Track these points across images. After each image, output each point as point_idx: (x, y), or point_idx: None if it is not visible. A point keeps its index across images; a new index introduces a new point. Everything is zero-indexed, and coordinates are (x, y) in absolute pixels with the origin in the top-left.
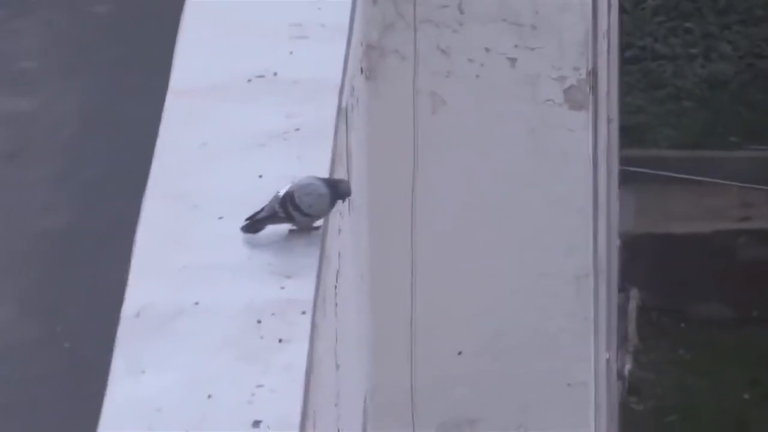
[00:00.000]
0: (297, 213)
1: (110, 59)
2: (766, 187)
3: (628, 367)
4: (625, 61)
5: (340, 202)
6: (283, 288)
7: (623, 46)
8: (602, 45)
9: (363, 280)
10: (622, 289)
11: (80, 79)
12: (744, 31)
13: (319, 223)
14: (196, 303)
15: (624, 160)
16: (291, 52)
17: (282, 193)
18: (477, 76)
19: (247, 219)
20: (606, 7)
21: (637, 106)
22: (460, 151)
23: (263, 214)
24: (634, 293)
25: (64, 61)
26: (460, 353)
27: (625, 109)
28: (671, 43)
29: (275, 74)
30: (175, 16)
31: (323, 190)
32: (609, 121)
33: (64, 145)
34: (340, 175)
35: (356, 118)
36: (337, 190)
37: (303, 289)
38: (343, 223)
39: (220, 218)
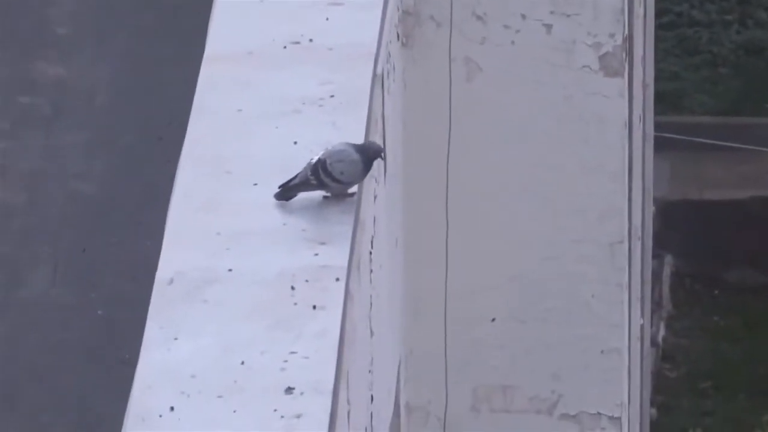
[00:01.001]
0: (329, 180)
1: (144, 25)
2: None
3: (661, 333)
4: (660, 28)
5: (374, 167)
6: (317, 254)
7: (659, 13)
8: (638, 11)
9: (397, 247)
10: (657, 255)
11: (115, 46)
12: None
13: (353, 189)
14: (230, 270)
15: (659, 127)
16: (327, 19)
17: (314, 160)
18: (512, 42)
19: (279, 186)
20: None
21: (672, 72)
22: (495, 118)
23: (296, 181)
24: (668, 260)
25: (99, 28)
26: (493, 320)
27: (660, 75)
28: (707, 9)
29: (311, 41)
30: None
31: (355, 156)
32: (644, 87)
33: (98, 112)
34: (376, 140)
35: (392, 85)
36: (368, 152)
37: (337, 255)
38: (378, 189)
39: (255, 185)
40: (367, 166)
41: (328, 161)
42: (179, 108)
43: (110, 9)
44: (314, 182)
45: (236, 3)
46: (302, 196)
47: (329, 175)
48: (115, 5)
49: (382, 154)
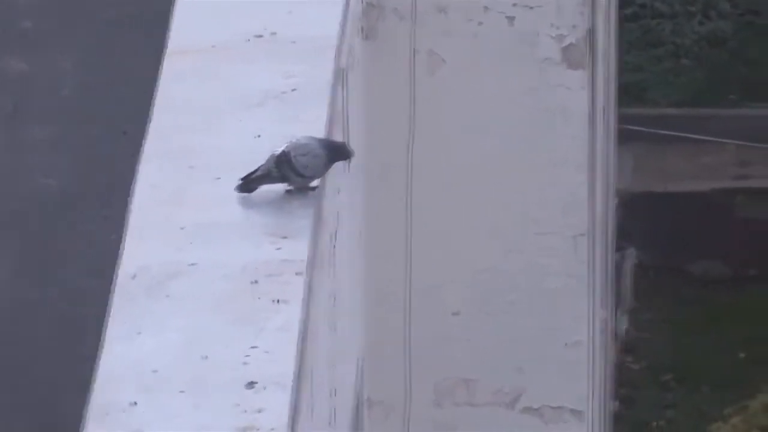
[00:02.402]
0: (292, 173)
1: (107, 19)
2: (764, 145)
3: (624, 326)
4: (624, 19)
5: (346, 164)
6: (279, 249)
7: (622, 4)
8: (601, 3)
9: (359, 241)
10: (620, 248)
11: (78, 39)
12: None
13: (315, 183)
14: (193, 264)
15: (622, 119)
16: (289, 12)
17: (278, 152)
18: (475, 35)
19: (242, 178)
20: None
21: (635, 64)
22: (458, 111)
23: (258, 173)
24: (631, 252)
25: (62, 21)
26: (456, 313)
27: (623, 67)
28: (670, 1)
29: (273, 34)
30: None
31: (319, 150)
32: (607, 79)
33: (62, 105)
34: (338, 135)
35: (354, 78)
36: (336, 151)
37: (299, 249)
38: (340, 183)
39: (218, 178)
40: (330, 162)
41: (291, 154)
42: (143, 102)
43: (74, 2)
44: (277, 175)
45: None
46: (265, 189)
47: (292, 168)
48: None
49: (350, 159)
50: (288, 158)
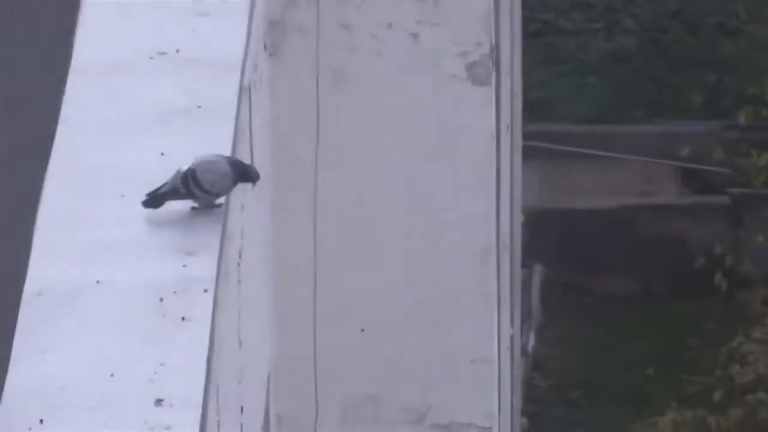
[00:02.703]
0: (198, 190)
1: (9, 35)
2: (669, 162)
3: (531, 343)
4: (528, 36)
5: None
6: (185, 266)
7: (526, 21)
8: (505, 20)
9: (266, 257)
10: (526, 264)
11: None
12: (647, 5)
13: (221, 200)
14: (98, 281)
15: (528, 135)
16: (193, 29)
17: (184, 169)
18: (379, 52)
19: (148, 194)
20: None
21: (540, 81)
22: (363, 128)
23: (164, 189)
24: (538, 269)
25: None
26: (362, 330)
27: (528, 84)
28: (574, 17)
29: (177, 51)
30: None
31: (226, 169)
32: (512, 96)
33: None
34: (243, 152)
35: (259, 95)
36: (243, 173)
37: (205, 266)
38: (246, 199)
39: (122, 196)
40: (236, 180)
41: (198, 171)
42: (46, 119)
43: None
44: (183, 191)
45: (102, 12)
46: (170, 206)
47: (198, 185)
48: None
49: (256, 182)
50: (194, 175)
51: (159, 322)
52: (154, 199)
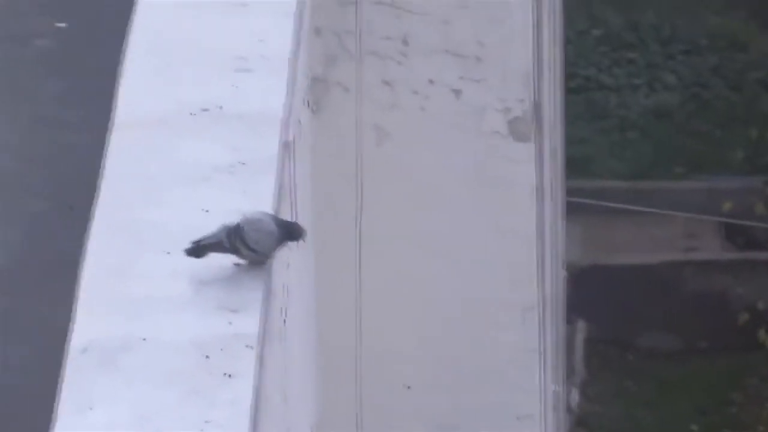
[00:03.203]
0: (242, 246)
1: (51, 93)
2: (710, 218)
3: (575, 399)
4: (569, 92)
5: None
6: (229, 323)
7: (567, 77)
8: (546, 76)
9: (310, 314)
10: (569, 320)
11: (22, 113)
12: (688, 60)
13: (266, 259)
14: (144, 338)
15: (569, 191)
16: (235, 86)
17: (231, 224)
18: (422, 108)
19: (192, 242)
20: (550, 38)
21: (581, 136)
22: (405, 184)
23: (209, 240)
24: (580, 325)
25: (5, 95)
26: (408, 387)
27: (569, 139)
28: (615, 73)
29: (220, 108)
30: (114, 48)
31: (272, 227)
32: (554, 152)
33: (6, 180)
34: (285, 207)
35: (301, 151)
36: (289, 231)
37: (249, 323)
38: (290, 257)
39: (167, 253)
40: (282, 239)
41: (244, 228)
42: (89, 175)
43: (16, 75)
44: (227, 246)
45: (144, 70)
46: (214, 262)
47: (244, 242)
48: (21, 71)
49: (302, 239)
50: (240, 231)
51: (204, 379)
52: (197, 249)
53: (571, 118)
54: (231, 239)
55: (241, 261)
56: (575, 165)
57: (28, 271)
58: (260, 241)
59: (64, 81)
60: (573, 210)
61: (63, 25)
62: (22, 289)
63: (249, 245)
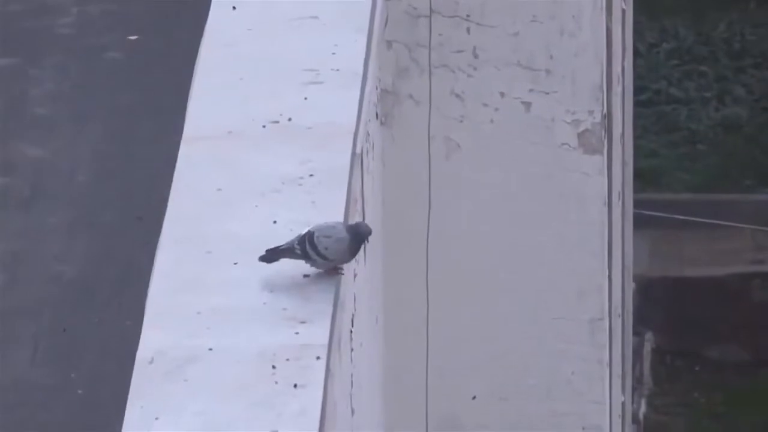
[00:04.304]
0: (313, 252)
1: (122, 105)
2: None
3: (643, 410)
4: (639, 105)
5: (362, 249)
6: (297, 333)
7: (637, 90)
8: (616, 88)
9: (378, 325)
10: (637, 332)
11: (93, 126)
12: (758, 74)
13: (342, 267)
14: (211, 349)
15: (638, 204)
16: (305, 98)
17: (304, 231)
18: (491, 120)
19: (267, 250)
20: (620, 51)
21: (651, 149)
22: (474, 196)
23: (283, 246)
24: (648, 336)
25: (77, 108)
26: (474, 397)
27: (639, 152)
28: (685, 86)
29: (290, 120)
30: (185, 62)
31: (343, 234)
32: (623, 164)
33: (78, 192)
34: (355, 219)
35: (371, 163)
36: (357, 233)
37: (318, 333)
38: (358, 268)
39: (235, 264)
40: (355, 247)
41: (315, 234)
42: (159, 187)
43: (89, 88)
44: (298, 251)
45: (214, 83)
46: (284, 274)
47: (314, 248)
48: (93, 85)
49: (368, 238)
50: (311, 238)
51: (271, 389)
52: (269, 254)
53: (641, 130)
54: (303, 246)
55: (311, 272)
56: (644, 177)
57: (99, 282)
58: (330, 247)
59: (136, 94)
60: (642, 222)
61: (135, 38)
62: (93, 300)
63: (320, 251)
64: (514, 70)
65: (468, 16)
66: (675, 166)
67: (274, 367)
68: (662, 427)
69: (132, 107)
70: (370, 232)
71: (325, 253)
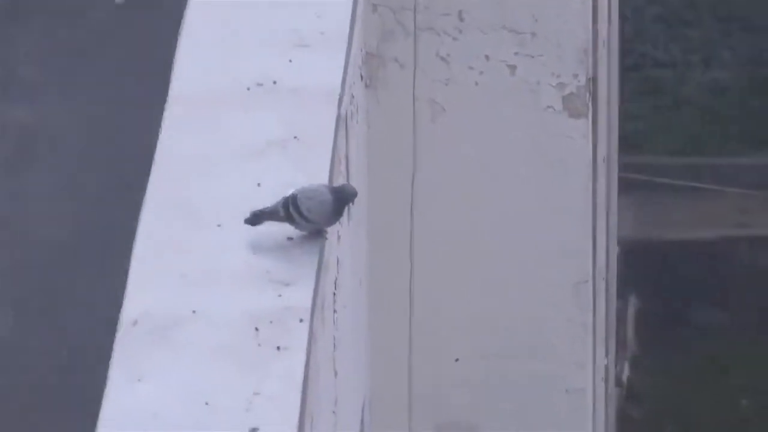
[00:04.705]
0: (296, 214)
1: (109, 68)
2: (764, 193)
3: (626, 373)
4: (624, 68)
5: (346, 211)
6: (280, 296)
7: (623, 53)
8: (602, 52)
9: (361, 287)
10: (621, 295)
11: (80, 88)
12: (745, 38)
13: (324, 231)
14: (194, 311)
15: (623, 167)
16: (290, 60)
17: (287, 194)
18: (476, 83)
19: (252, 212)
20: (606, 14)
21: (636, 113)
22: (459, 159)
23: (267, 209)
24: (632, 300)
25: (63, 70)
26: (457, 360)
27: (624, 116)
28: (671, 50)
29: (275, 82)
30: (173, 24)
31: (326, 197)
32: (608, 128)
33: (64, 156)
34: (339, 182)
35: (355, 126)
36: (341, 195)
37: (301, 296)
38: (342, 230)
39: (219, 226)
40: (339, 209)
41: (298, 196)
42: (145, 150)
43: (76, 52)
44: (282, 214)
45: (200, 45)
46: (267, 236)
47: (297, 210)
48: (81, 48)
49: (353, 200)
50: (294, 200)
51: (254, 352)
52: (254, 217)
53: (627, 94)
54: (286, 208)
55: (295, 235)
56: (630, 141)
57: (84, 245)
58: (313, 209)
59: (122, 56)
60: (626, 186)
61: (121, 1)
62: (79, 263)
63: (302, 213)
64: (499, 33)
65: None
66: (660, 130)
67: (257, 329)
68: (646, 390)
69: (118, 70)
70: (355, 194)
71: (308, 215)
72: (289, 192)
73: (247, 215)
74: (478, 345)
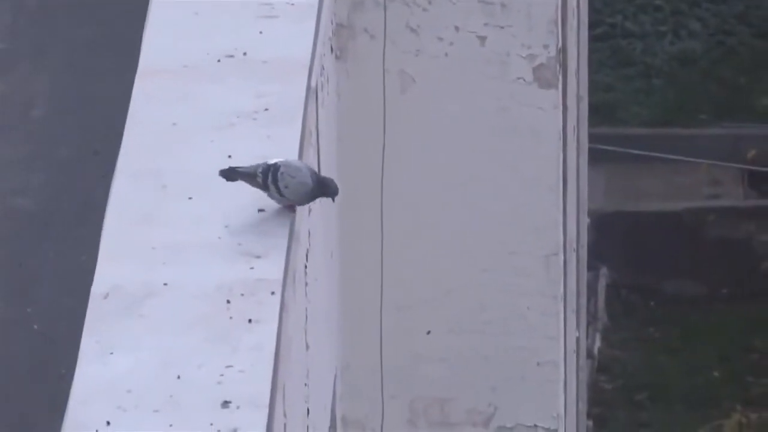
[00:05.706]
0: (273, 186)
1: (82, 39)
2: (735, 165)
3: (597, 345)
4: (594, 39)
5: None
6: (252, 268)
7: (592, 24)
8: (572, 22)
9: (333, 260)
10: (592, 267)
11: (52, 59)
12: (713, 8)
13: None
14: (165, 283)
15: (593, 138)
16: (260, 32)
17: (272, 162)
18: (446, 54)
19: (231, 166)
20: None
21: (606, 83)
22: (429, 130)
23: (245, 169)
24: (603, 271)
25: (34, 41)
26: (429, 332)
27: (594, 86)
28: (641, 20)
29: (245, 54)
30: None
31: (308, 180)
32: (578, 99)
33: (35, 125)
34: (310, 153)
35: (326, 98)
36: (323, 187)
37: (272, 269)
38: (313, 203)
39: (190, 198)
40: (314, 197)
41: (281, 170)
42: (116, 121)
43: (47, 22)
44: (259, 181)
45: (170, 16)
46: (238, 208)
47: (275, 182)
48: (52, 19)
49: (333, 198)
50: (276, 171)
51: (226, 324)
52: (230, 172)
53: (596, 65)
54: (265, 175)
55: (267, 206)
56: (600, 112)
57: (55, 215)
58: (290, 186)
59: (92, 28)
60: (597, 157)
61: None
62: (49, 234)
63: (279, 186)
64: (469, 3)
65: None
66: (630, 101)
67: (228, 302)
68: (617, 361)
69: (89, 41)
70: (336, 193)
71: (284, 191)
72: (273, 161)
73: (226, 168)
74: (450, 318)
